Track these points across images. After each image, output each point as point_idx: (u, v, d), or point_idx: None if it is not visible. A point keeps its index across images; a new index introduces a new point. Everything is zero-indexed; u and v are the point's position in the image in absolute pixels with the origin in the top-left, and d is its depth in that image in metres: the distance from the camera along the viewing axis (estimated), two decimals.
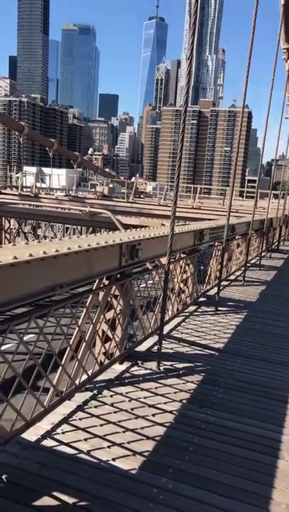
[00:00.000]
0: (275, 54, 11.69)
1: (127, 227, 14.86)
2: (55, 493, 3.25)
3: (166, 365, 5.80)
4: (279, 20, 10.97)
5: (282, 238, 24.53)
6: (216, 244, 10.61)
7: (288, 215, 28.16)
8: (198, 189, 34.95)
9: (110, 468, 3.59)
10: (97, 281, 5.10)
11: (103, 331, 5.44)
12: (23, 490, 3.27)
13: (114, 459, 3.70)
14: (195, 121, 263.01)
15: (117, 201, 31.72)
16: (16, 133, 32.86)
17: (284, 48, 12.57)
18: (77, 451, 3.76)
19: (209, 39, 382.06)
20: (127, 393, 4.92)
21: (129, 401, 4.75)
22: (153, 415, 4.50)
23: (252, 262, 15.76)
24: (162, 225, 10.73)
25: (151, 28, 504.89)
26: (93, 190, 38.29)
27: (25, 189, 30.77)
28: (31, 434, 3.88)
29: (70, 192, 35.70)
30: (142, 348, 6.30)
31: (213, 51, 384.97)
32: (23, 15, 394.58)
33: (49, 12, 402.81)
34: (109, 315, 5.51)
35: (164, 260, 5.98)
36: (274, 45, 11.75)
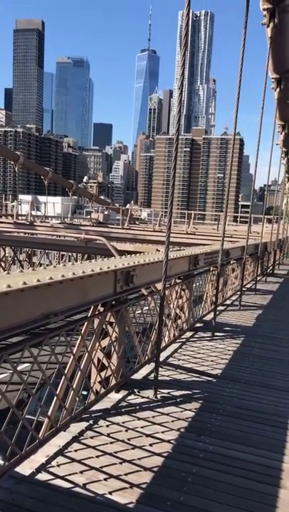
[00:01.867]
0: (264, 83, 12.02)
1: (121, 253, 14.89)
2: None
3: (163, 392, 5.71)
4: (266, 52, 11.34)
5: (277, 262, 24.62)
6: (211, 269, 10.63)
7: (282, 240, 28.37)
8: (193, 215, 35.22)
9: (107, 502, 3.48)
10: (92, 308, 5.07)
11: (99, 359, 5.37)
12: None
13: (110, 492, 3.59)
14: (188, 149, 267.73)
15: (112, 228, 31.89)
16: (12, 162, 33.21)
17: (272, 78, 12.92)
18: (72, 485, 3.65)
19: (200, 69, 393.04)
20: (123, 423, 4.81)
21: (126, 431, 4.65)
22: (150, 445, 4.39)
23: (247, 286, 15.76)
24: (157, 250, 10.76)
25: (144, 60, 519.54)
26: (88, 217, 38.50)
27: (20, 217, 30.94)
28: (25, 468, 3.77)
29: (66, 219, 35.87)
30: (139, 375, 6.21)
31: (205, 81, 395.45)
32: (19, 48, 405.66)
33: (44, 45, 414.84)
34: (105, 342, 5.45)
35: (159, 286, 5.97)
36: (263, 74, 12.10)
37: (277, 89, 13.10)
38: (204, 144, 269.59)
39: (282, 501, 3.70)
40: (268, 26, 9.61)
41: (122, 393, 5.59)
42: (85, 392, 5.22)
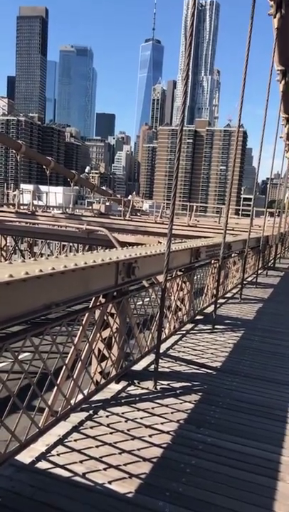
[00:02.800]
0: (269, 75, 11.93)
1: (123, 244, 14.87)
2: None
3: (163, 384, 5.73)
4: (272, 43, 11.22)
5: (279, 256, 24.59)
6: (213, 262, 10.62)
7: (284, 233, 28.31)
8: (195, 207, 35.16)
9: (106, 492, 3.50)
10: (93, 299, 5.07)
11: (99, 350, 5.38)
12: None
13: (110, 482, 3.62)
14: (191, 141, 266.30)
15: (114, 219, 31.81)
16: (14, 151, 33.06)
17: (278, 70, 12.81)
18: (72, 474, 3.67)
19: (204, 60, 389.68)
20: (123, 413, 4.84)
21: (126, 421, 4.67)
22: (150, 436, 4.42)
23: (248, 279, 15.76)
24: (159, 242, 10.74)
25: (148, 50, 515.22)
26: (90, 207, 38.45)
27: (22, 207, 30.88)
28: (26, 456, 3.79)
29: (67, 210, 35.80)
30: (139, 367, 6.23)
31: (209, 72, 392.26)
32: (22, 36, 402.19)
33: (47, 33, 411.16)
34: (106, 333, 5.46)
35: (160, 278, 5.96)
36: (268, 66, 12.00)
37: (283, 82, 12.99)
38: (207, 136, 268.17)
39: (280, 494, 3.73)
40: (275, 17, 9.51)
41: (122, 384, 5.61)
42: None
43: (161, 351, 6.27)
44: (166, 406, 5.13)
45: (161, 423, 4.71)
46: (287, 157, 23.52)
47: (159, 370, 5.83)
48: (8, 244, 27.91)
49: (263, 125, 12.10)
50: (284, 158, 23.45)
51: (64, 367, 4.64)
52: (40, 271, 3.52)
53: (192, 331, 8.58)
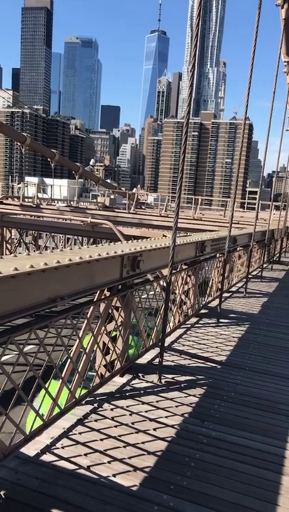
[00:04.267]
0: (276, 67, 11.80)
1: (128, 238, 14.85)
2: (54, 511, 3.18)
3: (167, 377, 5.74)
4: (280, 34, 11.09)
5: (284, 250, 24.50)
6: (218, 255, 10.58)
7: None
8: (200, 200, 35.01)
9: (110, 485, 3.51)
10: (98, 292, 5.07)
11: (104, 343, 5.39)
12: (22, 506, 3.20)
13: (114, 475, 3.63)
14: (196, 133, 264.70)
15: (119, 212, 31.74)
16: (18, 143, 32.99)
17: (285, 61, 12.67)
18: (77, 467, 3.69)
19: (210, 52, 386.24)
20: (127, 407, 4.85)
21: (130, 415, 4.68)
22: (154, 429, 4.43)
23: (253, 273, 15.71)
24: (164, 236, 10.71)
25: (153, 41, 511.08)
26: (95, 200, 38.37)
27: (26, 199, 30.86)
28: (30, 449, 3.81)
29: (72, 202, 35.77)
30: (143, 360, 6.24)
31: (215, 64, 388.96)
32: (27, 28, 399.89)
33: (52, 25, 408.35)
34: (110, 327, 5.46)
35: (165, 271, 5.95)
36: (275, 59, 11.86)
37: None
38: (213, 129, 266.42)
39: (284, 488, 3.73)
40: (283, 7, 9.38)
41: (127, 377, 5.62)
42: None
43: (165, 345, 6.27)
44: (171, 399, 5.14)
45: (166, 416, 4.72)
46: None
47: (164, 363, 5.83)
48: (13, 237, 27.95)
49: (270, 118, 12.00)
50: None
51: (69, 360, 4.65)
52: (45, 264, 3.52)
53: (197, 325, 8.57)
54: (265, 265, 17.40)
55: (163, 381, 5.62)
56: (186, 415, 4.81)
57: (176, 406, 5.00)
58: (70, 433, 4.20)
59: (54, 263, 3.65)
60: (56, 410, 4.25)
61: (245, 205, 43.94)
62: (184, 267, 8.39)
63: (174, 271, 7.09)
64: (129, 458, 3.89)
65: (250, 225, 16.35)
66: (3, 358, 3.43)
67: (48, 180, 54.78)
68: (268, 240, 17.86)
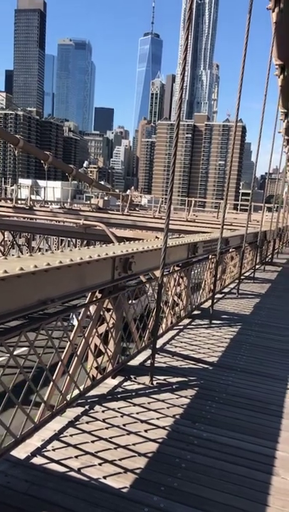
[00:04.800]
0: (267, 70, 11.87)
1: (121, 239, 14.86)
2: None
3: (159, 379, 5.74)
4: (271, 38, 11.15)
5: (276, 251, 24.60)
6: (210, 257, 10.61)
7: (282, 228, 28.30)
8: (193, 202, 35.10)
9: (101, 487, 3.51)
10: (89, 294, 5.06)
11: (95, 345, 5.38)
12: (12, 510, 3.18)
13: (105, 477, 3.63)
14: (190, 135, 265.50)
15: (112, 214, 31.76)
16: (12, 146, 32.91)
17: (276, 64, 12.73)
18: (67, 469, 3.68)
19: (204, 54, 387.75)
20: (119, 408, 4.85)
21: (122, 416, 4.68)
22: (145, 431, 4.43)
23: (246, 274, 15.77)
24: (156, 237, 10.73)
25: (147, 44, 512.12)
26: (88, 202, 38.36)
27: (19, 201, 30.79)
28: (21, 452, 3.80)
29: (65, 204, 35.72)
30: (135, 362, 6.24)
31: (208, 66, 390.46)
32: (20, 30, 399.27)
33: (45, 27, 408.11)
34: (102, 329, 5.46)
35: (157, 273, 5.96)
36: (266, 61, 11.93)
37: (281, 76, 12.92)
38: (206, 131, 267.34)
39: (275, 488, 3.74)
40: (273, 11, 9.43)
41: (119, 379, 5.62)
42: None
43: (157, 346, 6.29)
44: (163, 401, 5.14)
45: (157, 418, 4.72)
46: (285, 152, 23.47)
47: (156, 365, 5.84)
48: (6, 239, 27.86)
49: (261, 120, 12.07)
50: (282, 153, 23.38)
51: (60, 362, 4.64)
52: (35, 267, 3.51)
53: (189, 326, 8.59)
54: (257, 266, 17.47)
55: (155, 383, 5.63)
56: (177, 416, 4.82)
57: (168, 407, 5.00)
58: (61, 435, 4.19)
59: (44, 265, 3.64)
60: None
61: (238, 207, 44.11)
62: (177, 268, 8.40)
63: (166, 272, 7.12)
64: (120, 460, 3.89)
65: (243, 226, 16.41)
66: None
67: (41, 183, 54.63)
68: (260, 242, 17.94)
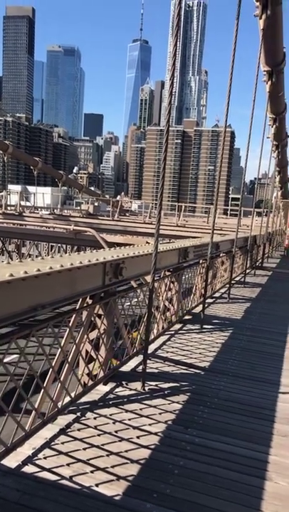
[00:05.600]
0: (255, 76, 11.99)
1: (111, 245, 14.85)
2: None
3: (151, 385, 5.71)
4: (258, 45, 11.29)
5: (266, 255, 24.75)
6: (201, 261, 10.63)
7: (271, 233, 28.50)
8: (183, 207, 35.24)
9: (93, 495, 3.47)
10: (80, 300, 5.04)
11: (87, 351, 5.35)
12: None
13: (97, 485, 3.59)
14: (179, 141, 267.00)
15: (102, 219, 31.74)
16: (1, 152, 32.79)
17: (264, 70, 12.88)
18: (59, 477, 3.64)
19: (192, 61, 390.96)
20: (111, 415, 4.81)
21: (113, 423, 4.64)
22: (137, 437, 4.39)
23: (236, 279, 15.82)
24: (147, 243, 10.73)
25: (136, 50, 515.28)
26: (78, 208, 38.30)
27: (9, 208, 30.64)
28: (12, 460, 3.75)
29: (55, 210, 35.63)
30: (127, 368, 6.21)
31: (196, 72, 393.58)
32: (9, 36, 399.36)
33: (34, 33, 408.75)
34: (93, 335, 5.43)
35: (148, 278, 5.95)
36: (255, 67, 12.07)
37: (269, 82, 13.08)
38: (195, 136, 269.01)
39: (268, 493, 3.73)
40: (261, 18, 9.56)
41: (110, 385, 5.58)
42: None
43: (149, 352, 6.26)
44: (154, 407, 5.11)
45: (149, 424, 4.69)
46: (274, 157, 23.68)
47: (147, 370, 5.81)
48: None
49: (250, 125, 12.16)
50: (271, 158, 23.59)
51: (51, 369, 4.60)
52: (25, 273, 3.49)
53: (180, 331, 8.58)
54: (248, 271, 17.54)
55: (146, 388, 5.60)
56: (169, 422, 4.79)
57: (160, 413, 4.98)
58: (53, 443, 4.14)
59: (34, 271, 3.62)
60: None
61: (228, 212, 44.38)
62: (168, 273, 8.40)
63: (157, 277, 7.11)
64: (112, 467, 3.85)
65: (233, 231, 16.49)
66: None
67: (31, 189, 54.43)
68: (250, 246, 18.04)
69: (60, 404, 4.52)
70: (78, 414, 4.75)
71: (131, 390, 5.54)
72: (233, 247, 13.50)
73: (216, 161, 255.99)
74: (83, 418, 4.69)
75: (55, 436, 4.25)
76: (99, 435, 4.36)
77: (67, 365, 4.85)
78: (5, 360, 3.50)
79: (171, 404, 5.25)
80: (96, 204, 41.09)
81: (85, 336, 5.23)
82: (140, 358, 6.28)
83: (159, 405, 5.16)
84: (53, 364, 4.62)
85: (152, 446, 4.26)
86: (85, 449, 4.10)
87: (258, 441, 4.59)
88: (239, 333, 8.89)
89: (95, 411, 4.86)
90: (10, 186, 54.29)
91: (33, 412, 4.15)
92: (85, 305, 5.14)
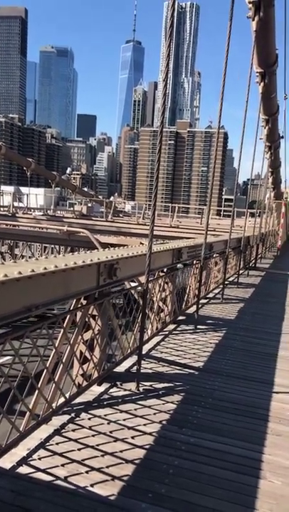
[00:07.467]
0: (248, 77, 12.05)
1: (105, 246, 14.83)
2: None
3: (145, 385, 5.72)
4: (251, 46, 11.34)
5: (260, 256, 24.85)
6: (195, 262, 10.66)
7: (265, 233, 28.63)
8: (176, 208, 35.30)
9: (88, 495, 3.47)
10: (74, 301, 5.03)
11: (81, 352, 5.34)
12: None
13: (92, 485, 3.59)
14: (172, 142, 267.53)
15: (96, 220, 31.71)
16: None
17: (257, 72, 12.95)
18: (54, 478, 3.63)
19: (185, 62, 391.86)
20: (105, 415, 4.81)
21: (108, 423, 4.64)
22: (132, 437, 4.40)
23: (230, 279, 15.88)
24: (141, 243, 10.74)
25: (129, 51, 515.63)
26: (72, 209, 38.22)
27: (2, 208, 30.52)
28: (6, 461, 3.73)
29: (48, 211, 35.53)
30: (121, 368, 6.21)
31: (189, 74, 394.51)
32: (1, 36, 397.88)
33: (27, 34, 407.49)
34: (87, 335, 5.43)
35: (142, 279, 5.96)
36: (247, 69, 12.12)
37: (262, 84, 13.15)
38: (188, 137, 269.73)
39: (263, 492, 3.75)
40: (253, 20, 9.61)
41: (105, 386, 5.58)
42: None
43: (143, 352, 6.27)
44: (149, 407, 5.12)
45: (144, 424, 4.70)
46: (266, 158, 23.80)
47: (142, 371, 5.82)
48: None
49: (243, 127, 12.22)
50: (264, 159, 23.71)
51: (45, 370, 4.59)
52: (20, 273, 3.48)
53: (174, 332, 8.60)
54: (241, 271, 17.60)
55: (141, 389, 5.61)
56: (164, 422, 4.80)
57: (154, 413, 4.98)
58: (47, 444, 4.13)
59: (29, 272, 3.61)
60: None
61: (222, 213, 44.53)
62: (162, 274, 8.42)
63: (151, 278, 7.11)
64: (107, 467, 3.85)
65: (227, 232, 16.55)
66: None
67: (24, 189, 54.24)
68: (243, 247, 18.11)
69: (54, 405, 4.51)
70: (73, 414, 4.74)
71: (125, 390, 5.54)
72: (226, 247, 13.55)
73: (209, 162, 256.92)
74: (78, 419, 4.68)
75: (50, 437, 4.24)
76: (93, 435, 4.36)
77: (61, 365, 4.84)
78: None
79: (165, 404, 5.26)
80: (89, 205, 41.06)
81: (80, 337, 5.22)
82: (134, 358, 6.28)
83: (153, 405, 5.17)
84: (48, 365, 4.61)
85: (147, 446, 4.27)
86: (79, 449, 4.09)
87: (252, 441, 4.61)
88: (233, 333, 8.92)
89: (89, 411, 4.86)
90: (3, 187, 54.04)
91: (28, 412, 4.14)
92: (79, 306, 5.13)
